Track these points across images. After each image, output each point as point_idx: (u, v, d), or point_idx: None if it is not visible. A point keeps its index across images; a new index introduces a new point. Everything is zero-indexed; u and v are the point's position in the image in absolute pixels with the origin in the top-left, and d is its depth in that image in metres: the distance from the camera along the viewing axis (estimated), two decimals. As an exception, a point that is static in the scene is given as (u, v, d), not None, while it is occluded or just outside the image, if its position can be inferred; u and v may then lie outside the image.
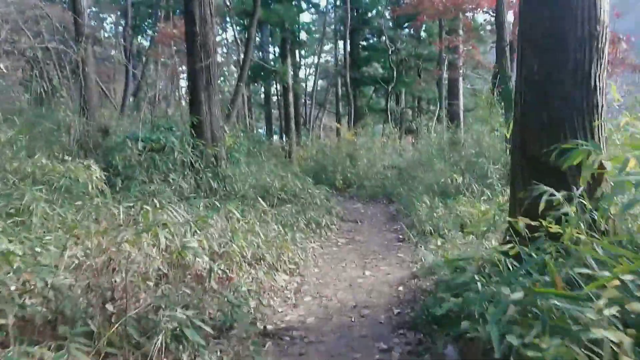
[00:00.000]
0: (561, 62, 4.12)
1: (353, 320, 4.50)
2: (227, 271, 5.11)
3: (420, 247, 6.57)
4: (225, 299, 4.14)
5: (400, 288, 5.29)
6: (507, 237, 4.20)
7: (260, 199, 8.53)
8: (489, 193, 8.17)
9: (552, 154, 4.07)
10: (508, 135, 4.92)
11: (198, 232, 5.50)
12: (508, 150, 9.55)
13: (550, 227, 3.28)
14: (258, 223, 6.83)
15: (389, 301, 4.95)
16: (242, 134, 13.46)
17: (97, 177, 6.70)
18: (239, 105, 15.62)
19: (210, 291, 4.61)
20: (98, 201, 6.16)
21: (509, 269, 3.24)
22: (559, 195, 3.36)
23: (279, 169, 14.14)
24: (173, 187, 8.36)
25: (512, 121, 4.69)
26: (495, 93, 10.39)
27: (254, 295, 4.66)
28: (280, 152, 21.13)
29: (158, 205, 6.25)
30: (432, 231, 7.23)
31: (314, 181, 16.25)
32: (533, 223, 3.37)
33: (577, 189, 3.83)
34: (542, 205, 3.32)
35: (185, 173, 8.96)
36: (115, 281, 3.65)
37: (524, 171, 4.42)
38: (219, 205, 7.23)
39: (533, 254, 3.42)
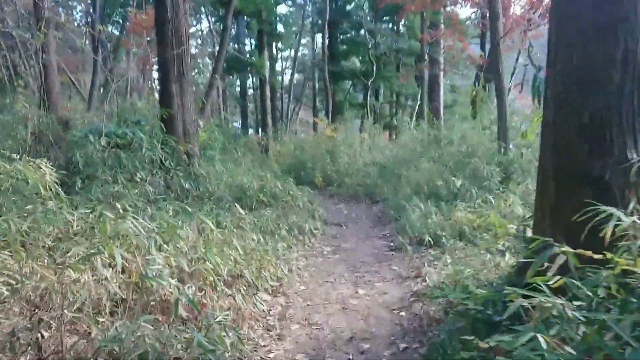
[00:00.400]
0: (608, 51, 3.34)
1: (351, 358, 3.69)
2: (199, 296, 4.26)
3: (422, 262, 5.74)
4: (195, 341, 3.26)
5: (402, 313, 4.48)
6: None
7: (236, 201, 7.70)
8: (491, 198, 7.38)
9: (597, 164, 3.35)
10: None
11: (165, 245, 4.63)
12: (504, 150, 8.87)
13: (621, 262, 2.50)
14: (235, 231, 5.98)
15: (391, 331, 4.14)
16: (216, 129, 12.53)
17: (49, 177, 5.75)
18: (213, 98, 14.66)
19: (177, 322, 3.76)
20: (52, 206, 5.25)
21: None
22: (628, 220, 2.58)
23: (256, 166, 13.27)
24: (139, 189, 7.43)
25: (542, 122, 3.92)
26: (487, 89, 9.68)
27: (231, 327, 3.80)
28: (256, 147, 20.21)
29: (121, 211, 5.38)
30: (431, 241, 6.43)
31: (292, 178, 15.49)
32: (595, 256, 2.57)
33: (627, 204, 3.11)
34: (608, 233, 2.54)
35: (154, 172, 8.03)
36: (42, 336, 2.76)
37: (558, 181, 3.64)
38: (190, 210, 6.34)
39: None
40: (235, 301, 4.31)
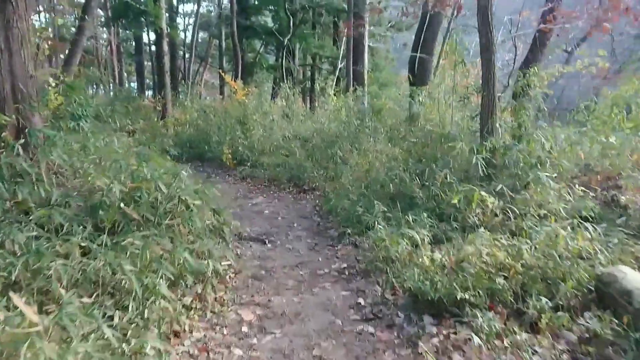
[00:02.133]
0: None
1: None
2: None
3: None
4: None
5: None
6: None
7: (89, 217, 4.18)
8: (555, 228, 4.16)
9: None
10: None
11: None
12: (490, 132, 5.91)
13: None
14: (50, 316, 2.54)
15: None
16: (84, 91, 8.57)
17: None
18: (83, 48, 10.49)
19: None
20: None
21: None
22: None
23: (144, 142, 9.56)
24: None
25: None
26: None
27: None
28: (151, 113, 16.15)
29: None
30: (449, 310, 3.22)
31: (193, 154, 11.80)
32: None
33: None
34: None
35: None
36: None
37: None
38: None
39: None
40: None
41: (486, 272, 3.47)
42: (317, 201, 7.43)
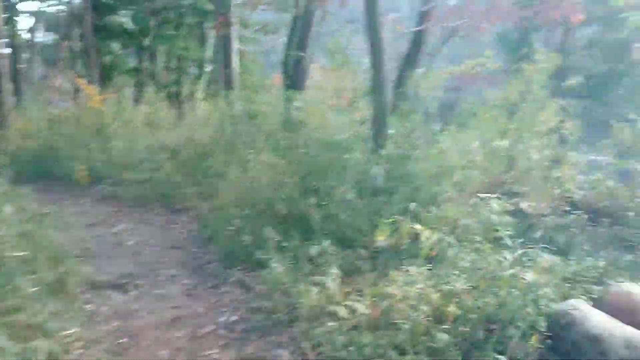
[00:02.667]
0: None
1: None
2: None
3: None
4: None
5: None
6: None
7: None
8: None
9: None
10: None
11: None
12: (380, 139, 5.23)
13: None
14: None
15: None
16: None
17: None
18: None
19: None
20: None
21: None
22: None
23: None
24: None
25: None
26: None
27: None
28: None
29: None
30: None
31: (38, 172, 9.84)
32: None
33: None
34: None
35: None
36: None
37: None
38: None
39: None
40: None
41: (422, 324, 2.66)
42: (193, 225, 6.25)
